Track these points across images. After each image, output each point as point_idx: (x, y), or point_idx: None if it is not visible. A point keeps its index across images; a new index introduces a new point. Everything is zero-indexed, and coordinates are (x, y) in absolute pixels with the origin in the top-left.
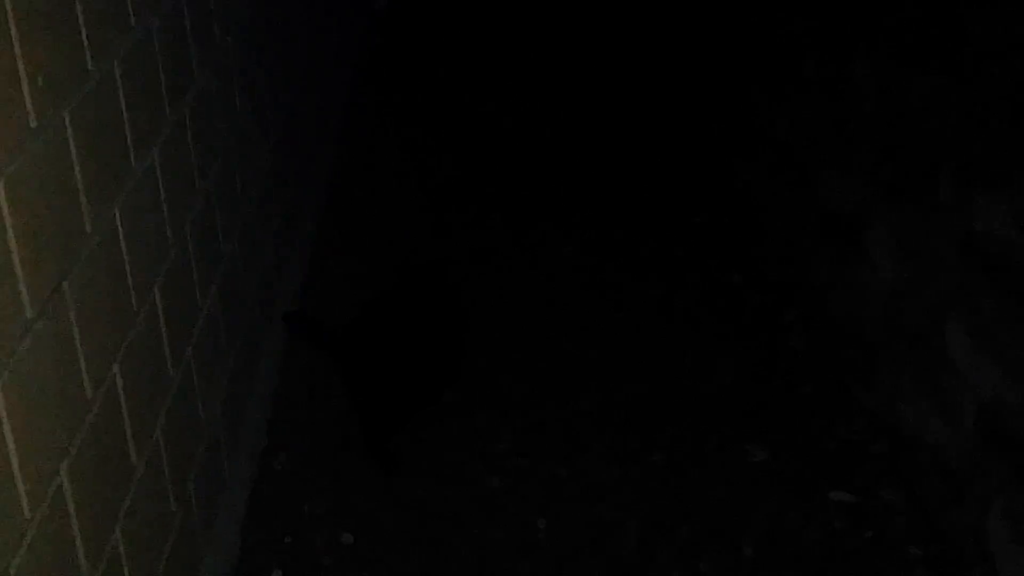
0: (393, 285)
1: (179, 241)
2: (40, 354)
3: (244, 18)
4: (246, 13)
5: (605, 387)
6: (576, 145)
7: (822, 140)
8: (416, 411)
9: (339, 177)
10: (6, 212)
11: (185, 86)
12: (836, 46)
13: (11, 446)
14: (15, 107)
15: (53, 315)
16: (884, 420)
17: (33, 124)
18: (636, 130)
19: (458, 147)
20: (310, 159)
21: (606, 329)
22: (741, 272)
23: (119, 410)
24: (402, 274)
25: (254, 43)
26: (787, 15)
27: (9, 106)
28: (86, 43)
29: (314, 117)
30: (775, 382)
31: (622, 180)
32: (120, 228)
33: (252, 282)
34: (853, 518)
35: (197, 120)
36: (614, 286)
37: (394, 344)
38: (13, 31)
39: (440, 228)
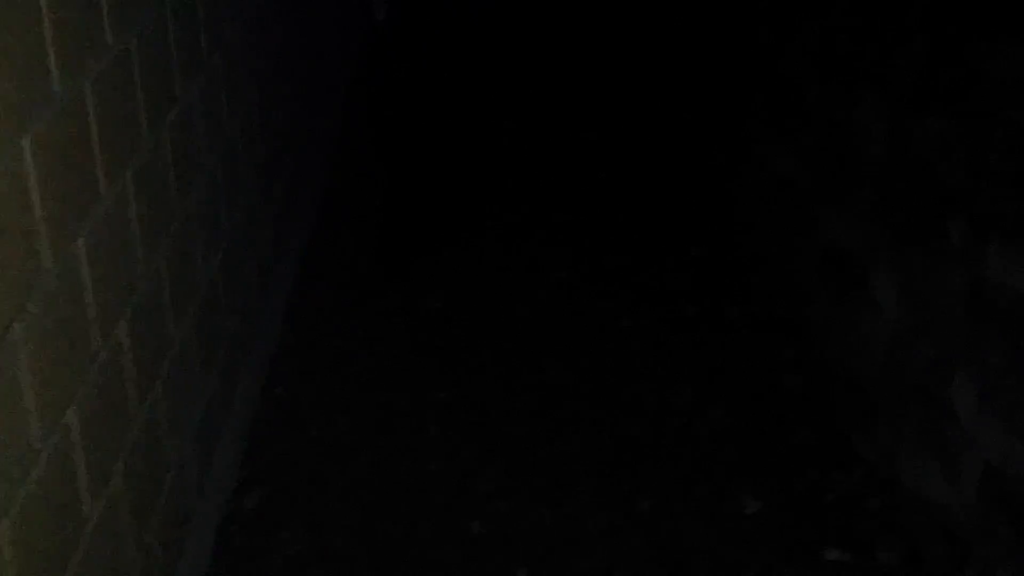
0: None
1: (151, 270)
2: None
3: (235, 32)
4: (237, 27)
5: (594, 425)
6: (574, 168)
7: (825, 175)
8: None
9: (331, 193)
10: None
11: (167, 106)
12: (841, 81)
13: None
14: None
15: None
16: (883, 473)
17: None
18: (636, 156)
19: (454, 164)
20: (301, 177)
21: (597, 362)
22: (737, 306)
23: (70, 457)
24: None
25: (245, 58)
26: (791, 46)
27: None
28: (53, 63)
29: (307, 133)
30: (770, 425)
31: (620, 206)
32: (84, 259)
33: (233, 309)
34: None
35: (178, 141)
36: (607, 316)
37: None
38: None
39: (431, 246)
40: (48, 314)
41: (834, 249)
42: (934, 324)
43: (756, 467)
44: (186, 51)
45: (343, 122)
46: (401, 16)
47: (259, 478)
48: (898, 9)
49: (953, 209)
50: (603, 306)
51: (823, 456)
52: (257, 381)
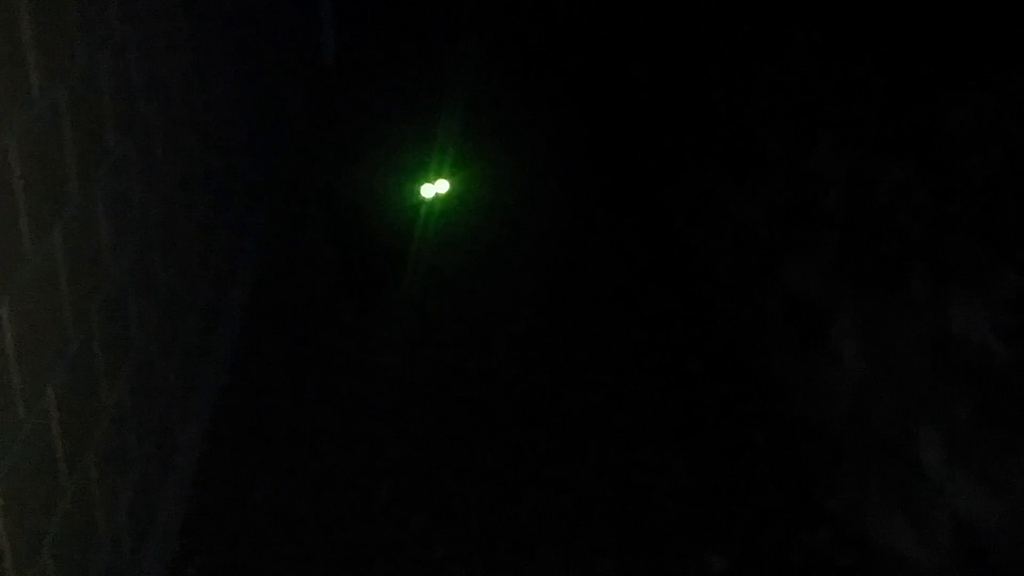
0: None
1: (81, 333)
2: None
3: (173, 80)
4: (175, 74)
5: (554, 484)
6: (532, 219)
7: (784, 224)
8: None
9: (273, 250)
10: None
11: (98, 160)
12: (798, 128)
13: None
14: None
15: None
16: (852, 529)
17: None
18: (595, 207)
19: (397, 215)
20: (243, 230)
21: (557, 419)
22: (700, 359)
23: None
24: None
25: (185, 108)
26: (748, 93)
27: None
28: None
29: (252, 184)
30: (735, 481)
31: (579, 257)
32: (6, 326)
33: (170, 370)
34: None
35: (110, 196)
36: (566, 370)
37: None
38: None
39: (380, 312)
40: None
41: (795, 299)
42: (897, 376)
43: (722, 525)
44: (120, 100)
45: (291, 167)
46: (349, 60)
47: (200, 547)
48: (856, 56)
49: (914, 259)
50: (562, 360)
51: (790, 512)
52: (197, 444)
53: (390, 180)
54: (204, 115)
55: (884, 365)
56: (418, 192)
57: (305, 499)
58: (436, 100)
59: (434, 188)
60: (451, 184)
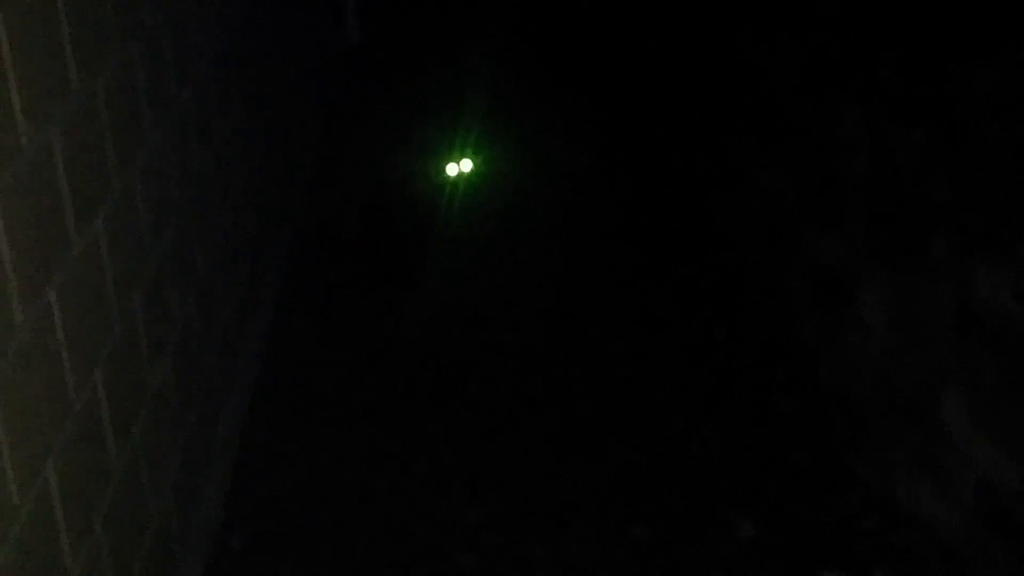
0: None
1: (125, 316)
2: None
3: (204, 65)
4: (206, 59)
5: (586, 454)
6: (559, 190)
7: (810, 192)
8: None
9: (306, 230)
10: None
11: (135, 148)
12: (823, 96)
13: None
14: None
15: None
16: (878, 493)
17: None
18: (622, 176)
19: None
20: (276, 211)
21: (587, 390)
22: (727, 328)
23: (52, 512)
24: None
25: (216, 92)
26: (774, 62)
27: None
28: (19, 115)
29: (283, 166)
30: (763, 449)
31: (606, 228)
32: (55, 311)
33: (210, 348)
34: None
35: (148, 182)
36: (595, 342)
37: None
38: None
39: (412, 289)
40: (21, 366)
41: (821, 267)
42: (922, 342)
43: (751, 491)
44: (154, 88)
45: (320, 148)
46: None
47: (243, 519)
48: (879, 23)
49: (938, 224)
50: (591, 332)
51: (818, 478)
52: (238, 420)
53: (417, 158)
54: (235, 100)
55: (909, 332)
56: (444, 171)
57: (343, 472)
58: (461, 79)
59: (459, 167)
60: (476, 163)
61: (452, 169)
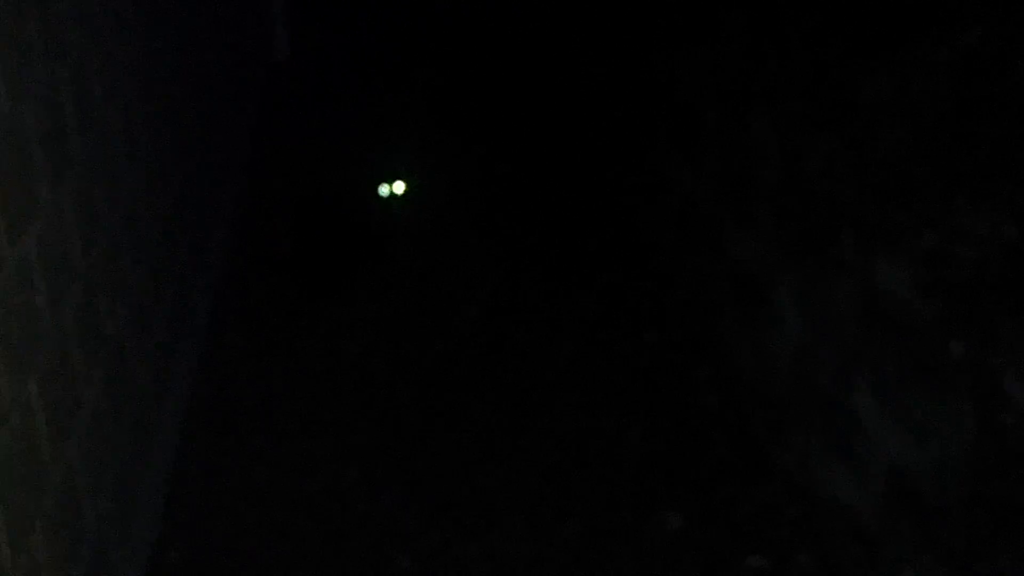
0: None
1: (57, 327)
2: None
3: (130, 83)
4: (132, 78)
5: (517, 456)
6: (487, 200)
7: (726, 196)
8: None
9: (236, 246)
10: None
11: (63, 168)
12: (734, 103)
13: None
14: None
15: None
16: (798, 481)
17: None
18: (548, 187)
19: (356, 210)
20: (206, 226)
21: (515, 394)
22: (654, 330)
23: None
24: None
25: (143, 109)
26: (687, 71)
27: None
28: None
29: (213, 182)
30: (689, 444)
31: (534, 236)
32: None
33: (144, 358)
34: None
35: (78, 201)
36: (525, 347)
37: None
38: None
39: (343, 304)
40: None
41: (739, 267)
42: (832, 334)
43: (677, 485)
44: (81, 102)
45: (249, 163)
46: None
47: (181, 530)
48: (783, 31)
49: (843, 223)
50: (520, 338)
51: (741, 470)
52: (174, 434)
53: (346, 174)
54: (163, 116)
55: (820, 325)
56: (374, 187)
57: (278, 482)
58: (386, 95)
59: (391, 187)
60: (407, 180)
61: (384, 189)
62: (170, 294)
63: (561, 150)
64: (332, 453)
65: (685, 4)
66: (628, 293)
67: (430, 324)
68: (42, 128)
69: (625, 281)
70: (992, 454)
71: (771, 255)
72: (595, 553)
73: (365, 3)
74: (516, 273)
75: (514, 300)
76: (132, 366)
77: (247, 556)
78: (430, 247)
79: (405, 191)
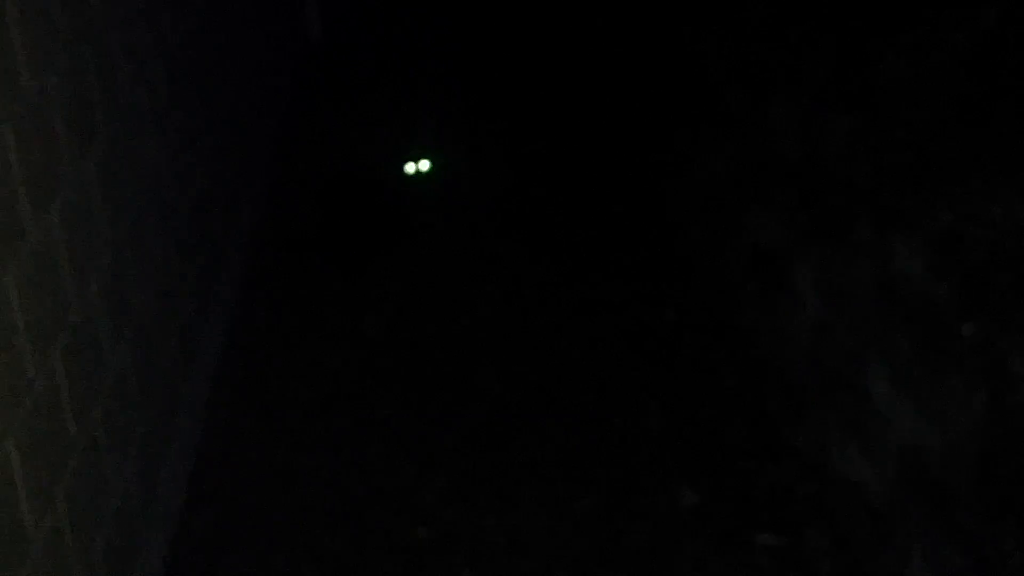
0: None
1: (82, 298)
2: None
3: (159, 62)
4: (161, 58)
5: (535, 431)
6: (515, 180)
7: (748, 176)
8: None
9: (266, 224)
10: None
11: (87, 144)
12: (757, 83)
13: None
14: None
15: None
16: (812, 460)
17: None
18: (576, 167)
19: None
20: (236, 205)
21: (536, 371)
22: (675, 310)
23: (12, 482)
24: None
25: (172, 88)
26: (712, 52)
27: None
28: None
29: (242, 161)
30: (706, 423)
31: (560, 216)
32: (13, 298)
33: (171, 332)
34: (780, 562)
35: (104, 179)
36: (548, 326)
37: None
38: None
39: (369, 281)
40: None
41: (759, 248)
42: (849, 316)
43: (693, 463)
44: (108, 83)
45: (279, 144)
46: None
47: (206, 500)
48: (807, 11)
49: (861, 204)
50: (544, 316)
51: (757, 448)
52: (200, 407)
53: (376, 155)
54: (191, 96)
55: (837, 307)
56: (402, 168)
57: (301, 455)
58: (419, 78)
59: (417, 166)
60: (434, 159)
61: (410, 167)
62: (198, 268)
63: (588, 130)
64: (354, 429)
65: None
66: (651, 273)
67: (453, 302)
68: (65, 105)
69: (649, 261)
70: (1000, 435)
71: (791, 237)
72: (608, 527)
73: None
74: (540, 252)
75: (537, 279)
76: (158, 337)
77: (269, 528)
78: (454, 225)
79: (430, 169)
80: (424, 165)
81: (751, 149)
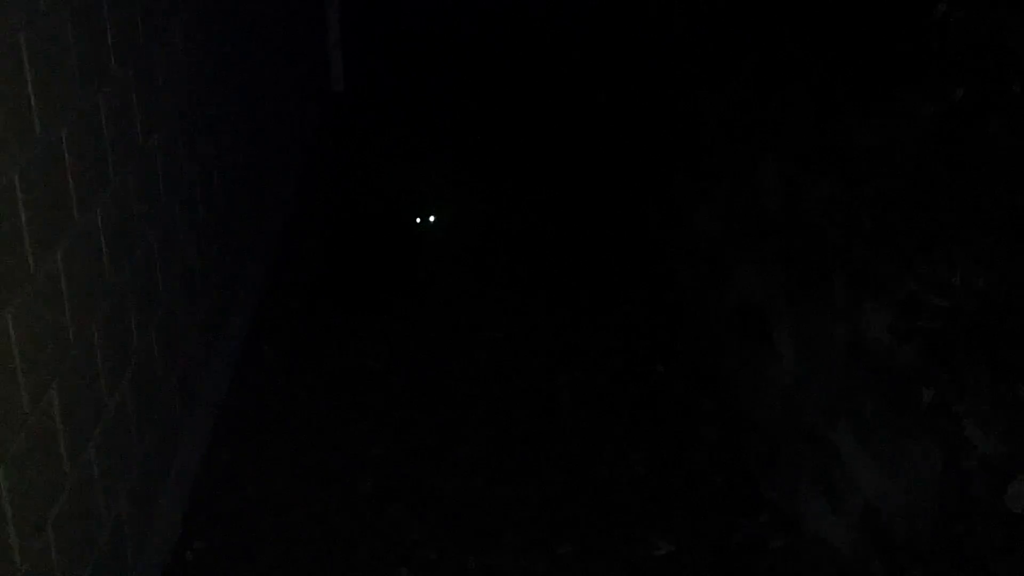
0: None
1: (83, 339)
2: None
3: (173, 111)
4: (175, 104)
5: (520, 476)
6: (518, 232)
7: (736, 234)
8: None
9: (277, 266)
10: None
11: (97, 191)
12: (745, 144)
13: None
14: None
15: None
16: (786, 514)
17: None
18: (576, 220)
19: (390, 233)
20: (249, 248)
21: (528, 418)
22: (665, 362)
23: (2, 510)
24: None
25: (185, 140)
26: (705, 113)
27: None
28: None
29: (260, 204)
30: (685, 473)
31: (559, 268)
32: (11, 334)
33: (171, 372)
34: None
35: (110, 224)
36: (541, 373)
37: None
38: None
39: (369, 319)
40: None
41: (744, 303)
42: (822, 373)
43: (670, 512)
44: (120, 132)
45: (299, 186)
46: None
47: (201, 532)
48: (789, 78)
49: (835, 265)
50: (538, 363)
51: (733, 500)
52: (199, 442)
53: (389, 201)
54: (208, 144)
55: (812, 364)
56: (416, 217)
57: (295, 490)
58: (434, 128)
59: (430, 215)
60: (440, 212)
61: (424, 215)
62: (205, 312)
63: (590, 185)
64: (348, 464)
65: (705, 51)
66: (643, 324)
67: (450, 345)
68: (77, 152)
69: (641, 312)
70: (955, 497)
71: (773, 292)
72: (584, 573)
73: (418, 41)
74: (541, 301)
75: (533, 326)
76: (159, 376)
77: (259, 561)
78: (456, 274)
79: (437, 221)
80: (432, 218)
81: (740, 205)
